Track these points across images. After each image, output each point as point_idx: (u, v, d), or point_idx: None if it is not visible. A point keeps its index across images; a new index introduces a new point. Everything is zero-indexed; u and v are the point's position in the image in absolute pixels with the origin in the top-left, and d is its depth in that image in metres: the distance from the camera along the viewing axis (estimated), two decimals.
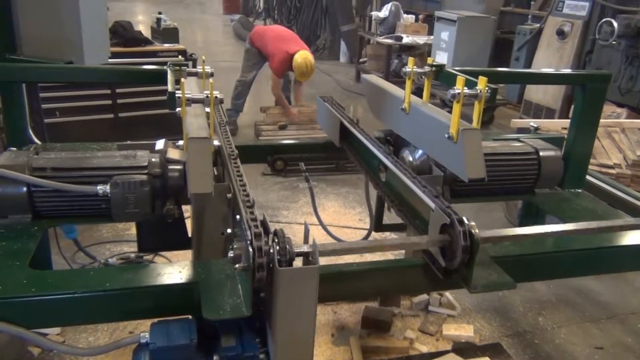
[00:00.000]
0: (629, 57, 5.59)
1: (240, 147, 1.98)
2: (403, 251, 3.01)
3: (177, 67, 2.17)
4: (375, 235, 2.79)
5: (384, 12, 9.05)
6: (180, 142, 2.02)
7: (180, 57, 5.03)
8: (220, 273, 1.54)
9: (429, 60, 2.18)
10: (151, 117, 4.94)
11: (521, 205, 3.34)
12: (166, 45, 5.26)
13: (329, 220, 4.11)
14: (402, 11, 9.07)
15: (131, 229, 3.59)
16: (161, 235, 2.10)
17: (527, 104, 7.13)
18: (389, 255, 3.35)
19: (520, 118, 6.78)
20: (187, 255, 2.05)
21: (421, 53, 8.30)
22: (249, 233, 1.29)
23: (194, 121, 1.72)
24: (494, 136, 2.67)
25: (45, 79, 3.07)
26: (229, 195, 1.73)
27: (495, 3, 8.37)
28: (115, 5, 14.16)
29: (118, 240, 3.73)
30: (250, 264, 1.26)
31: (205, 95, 1.78)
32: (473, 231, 1.47)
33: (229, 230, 1.68)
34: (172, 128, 3.14)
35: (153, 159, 1.90)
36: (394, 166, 1.93)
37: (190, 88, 1.94)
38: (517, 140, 2.47)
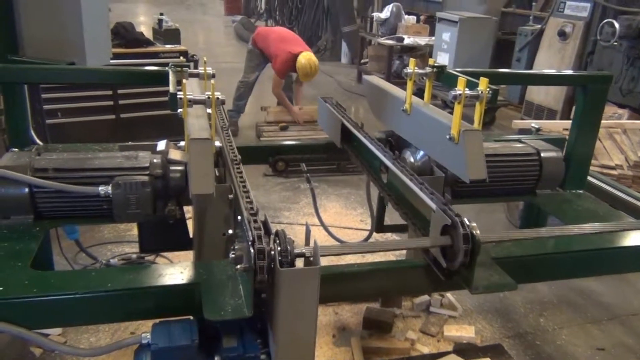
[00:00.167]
0: (631, 58, 5.59)
1: (242, 148, 1.98)
2: (404, 252, 3.01)
3: (179, 68, 2.17)
4: (376, 236, 2.79)
5: (385, 13, 9.05)
6: (182, 143, 2.02)
7: (181, 58, 5.01)
8: (221, 274, 1.55)
9: (430, 61, 2.18)
10: (153, 118, 4.95)
11: (522, 206, 3.34)
12: (168, 47, 5.27)
13: (330, 221, 4.11)
14: (403, 12, 9.07)
15: (133, 230, 3.59)
16: (163, 236, 2.10)
17: (528, 105, 7.13)
18: (390, 256, 3.35)
19: (522, 119, 6.78)
20: (188, 256, 2.05)
21: (422, 54, 8.29)
22: (250, 234, 1.30)
23: (196, 122, 1.73)
24: (495, 137, 2.67)
25: (47, 80, 3.07)
26: (231, 196, 1.73)
27: (497, 4, 8.37)
28: (117, 6, 14.19)
29: (119, 241, 3.73)
30: (251, 264, 1.26)
31: (206, 97, 1.78)
32: (474, 232, 1.47)
33: (230, 231, 1.69)
34: (174, 129, 3.15)
35: (155, 160, 1.90)
36: (395, 167, 1.93)
37: (192, 89, 1.94)
38: (519, 141, 2.47)
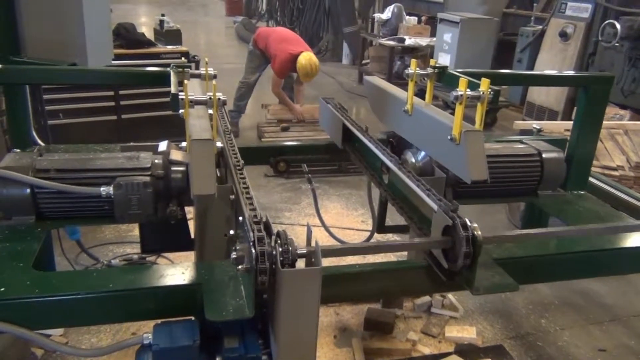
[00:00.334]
0: (632, 59, 5.59)
1: (243, 148, 1.98)
2: (405, 253, 3.01)
3: (180, 69, 2.17)
4: (377, 236, 2.79)
5: (387, 14, 9.06)
6: (183, 144, 2.02)
7: (183, 59, 5.05)
8: (223, 274, 1.55)
9: (432, 62, 2.18)
10: (154, 119, 4.95)
11: (524, 207, 3.34)
12: (169, 47, 5.27)
13: (332, 222, 4.11)
14: (404, 13, 9.08)
15: (134, 230, 3.59)
16: (164, 237, 2.10)
17: (529, 105, 7.13)
18: (392, 257, 3.35)
19: (523, 120, 6.78)
20: (189, 256, 2.05)
21: (424, 55, 8.30)
22: (251, 235, 1.30)
23: (197, 123, 1.73)
24: (497, 138, 2.67)
25: (49, 80, 3.08)
26: (232, 197, 1.73)
27: (498, 5, 8.37)
28: (119, 7, 14.19)
29: (121, 242, 3.73)
30: (253, 265, 1.26)
31: (208, 97, 1.78)
32: (476, 233, 1.47)
33: (231, 232, 1.69)
34: (175, 130, 3.15)
35: (156, 161, 1.90)
36: (396, 168, 1.93)
37: (194, 90, 1.95)
38: (520, 142, 2.47)
